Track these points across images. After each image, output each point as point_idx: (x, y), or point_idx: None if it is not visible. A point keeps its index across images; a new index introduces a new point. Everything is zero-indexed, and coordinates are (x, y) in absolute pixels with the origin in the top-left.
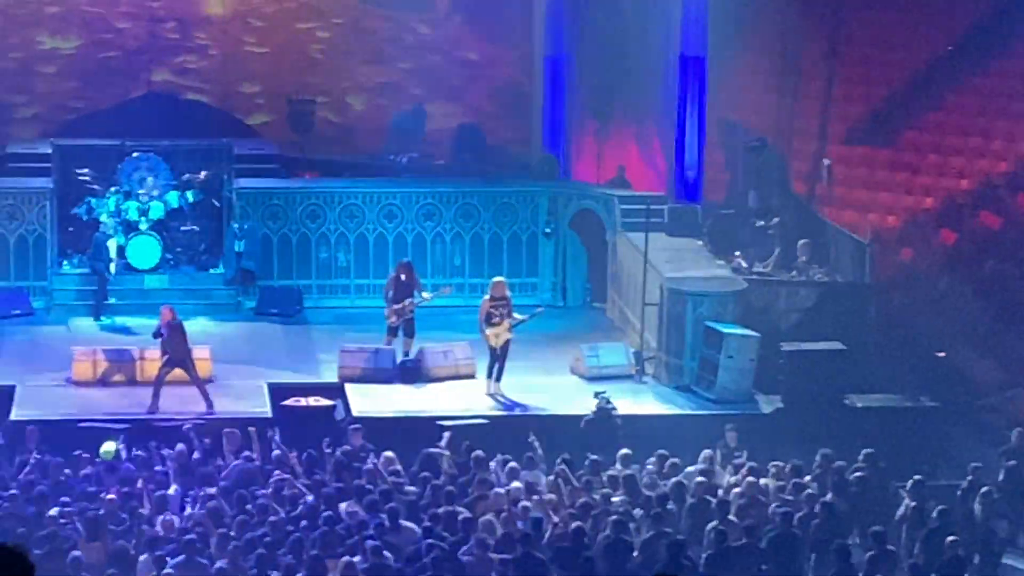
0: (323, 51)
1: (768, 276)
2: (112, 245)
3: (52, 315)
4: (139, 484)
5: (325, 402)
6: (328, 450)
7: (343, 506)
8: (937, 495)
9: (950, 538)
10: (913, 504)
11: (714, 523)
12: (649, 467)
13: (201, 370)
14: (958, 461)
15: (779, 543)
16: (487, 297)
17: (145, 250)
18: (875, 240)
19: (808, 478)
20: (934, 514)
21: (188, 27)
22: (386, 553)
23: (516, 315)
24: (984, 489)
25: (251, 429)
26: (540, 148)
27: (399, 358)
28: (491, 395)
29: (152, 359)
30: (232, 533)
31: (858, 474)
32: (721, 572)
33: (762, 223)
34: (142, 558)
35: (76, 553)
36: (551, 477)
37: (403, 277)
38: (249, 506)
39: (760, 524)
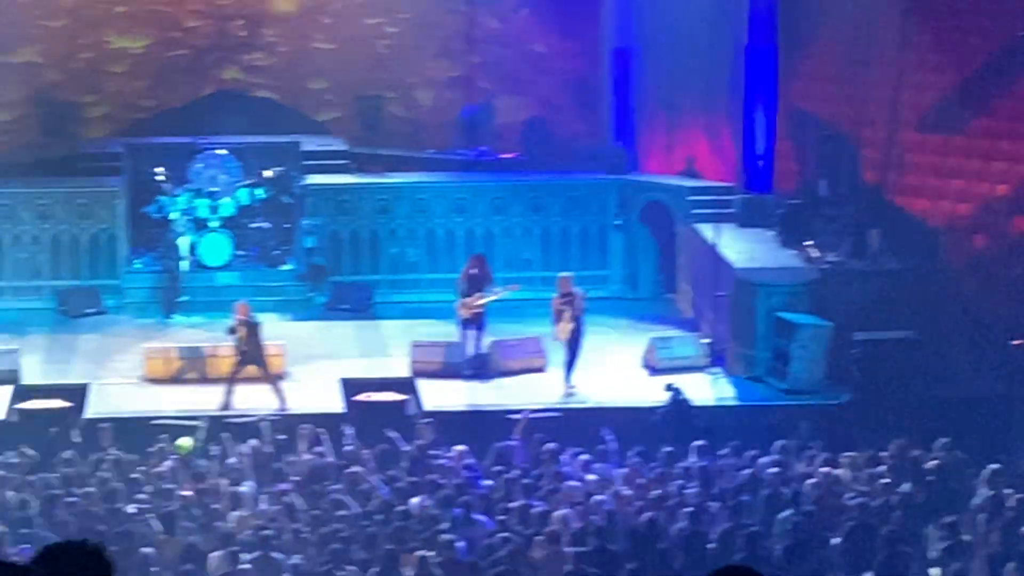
0: (391, 46)
1: (840, 265)
2: (183, 243)
3: (125, 313)
4: (213, 480)
5: (397, 397)
6: (400, 445)
7: (415, 500)
8: (1014, 484)
9: None
10: (990, 493)
11: (788, 514)
12: (723, 458)
13: (273, 366)
14: None
15: (856, 534)
16: (555, 295)
17: (216, 247)
18: (948, 228)
19: (883, 468)
20: (1011, 503)
21: (257, 24)
22: (459, 547)
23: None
24: None
25: (319, 431)
26: (609, 140)
27: (471, 352)
28: (565, 389)
29: (224, 356)
30: (305, 528)
31: (934, 463)
32: (797, 563)
33: (833, 212)
34: (215, 554)
35: (147, 550)
36: (624, 469)
37: (475, 271)
38: (322, 501)
39: (835, 515)
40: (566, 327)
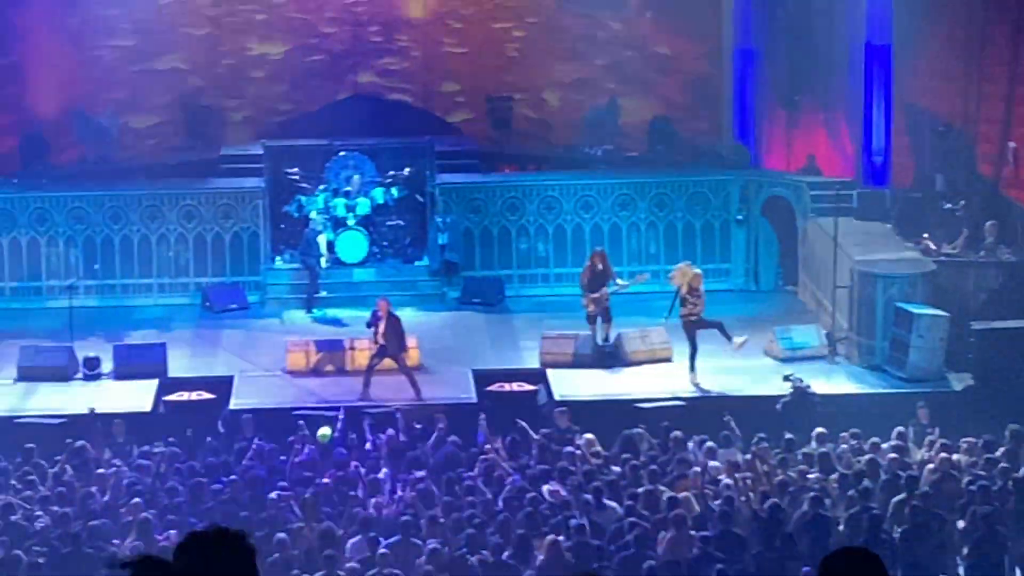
0: (519, 49)
1: (956, 257)
2: (322, 240)
3: (266, 308)
4: (352, 468)
5: (528, 387)
6: (531, 433)
7: (547, 487)
8: None
9: None
10: None
11: (905, 496)
12: (843, 445)
13: (409, 358)
14: None
15: (977, 518)
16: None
17: (353, 245)
18: None
19: (999, 453)
20: None
21: (390, 30)
22: (589, 531)
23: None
24: None
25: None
26: (731, 138)
27: (599, 343)
28: (690, 379)
29: (362, 348)
30: (441, 515)
31: None
32: (916, 546)
33: (949, 205)
34: (354, 539)
35: (281, 535)
36: (747, 456)
37: (599, 266)
38: (457, 488)
39: (953, 499)
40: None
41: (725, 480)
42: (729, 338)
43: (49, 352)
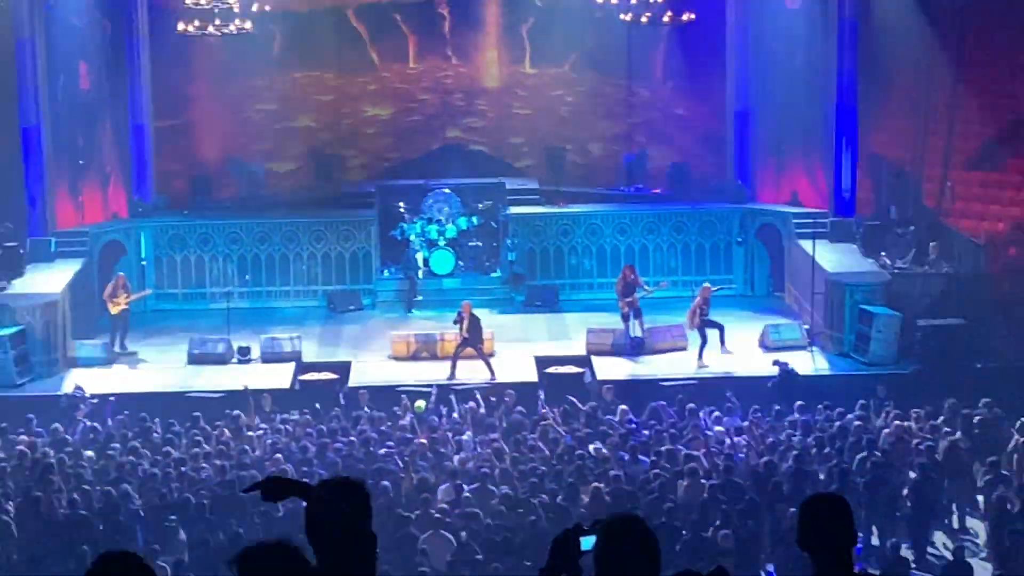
0: (570, 111)
1: (906, 270)
2: (419, 257)
3: (376, 309)
4: (441, 431)
5: (576, 370)
6: (579, 405)
7: (591, 446)
8: None
9: None
10: (1021, 439)
11: (867, 454)
12: (819, 415)
13: (485, 348)
14: None
15: (924, 469)
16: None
17: (443, 261)
18: (988, 242)
19: (940, 421)
20: None
21: (471, 96)
22: (624, 480)
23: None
24: None
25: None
26: (732, 178)
27: (631, 336)
28: (700, 365)
29: (450, 340)
30: (510, 467)
31: (979, 417)
32: (877, 492)
33: (901, 230)
34: (443, 486)
35: (386, 483)
36: (745, 423)
37: (630, 276)
38: (522, 447)
39: (905, 456)
40: (695, 319)
41: (728, 441)
42: (723, 343)
43: (212, 342)
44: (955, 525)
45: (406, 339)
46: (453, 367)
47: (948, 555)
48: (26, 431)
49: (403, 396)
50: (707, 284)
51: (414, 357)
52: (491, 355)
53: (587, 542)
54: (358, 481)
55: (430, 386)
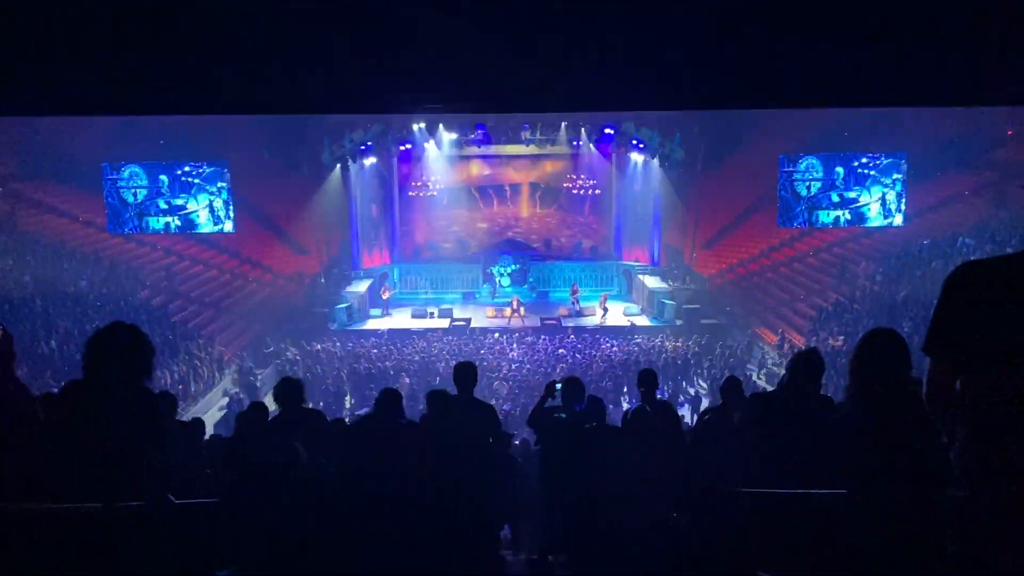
0: (556, 224)
1: (680, 286)
2: (497, 281)
3: (478, 300)
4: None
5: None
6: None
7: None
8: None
9: None
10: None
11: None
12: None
13: (519, 314)
14: None
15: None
16: (603, 294)
17: (505, 283)
18: (709, 276)
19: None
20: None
21: (517, 219)
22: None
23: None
24: None
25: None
26: (613, 250)
27: (576, 309)
28: (601, 322)
29: (508, 314)
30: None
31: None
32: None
33: (677, 271)
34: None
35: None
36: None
37: (576, 288)
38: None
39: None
40: (599, 310)
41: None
42: (605, 312)
43: (418, 308)
44: None
45: (491, 309)
46: (509, 322)
47: None
48: (355, 345)
49: (496, 334)
50: (605, 293)
51: (495, 317)
52: (523, 317)
53: (559, 387)
54: (470, 364)
55: (503, 330)
